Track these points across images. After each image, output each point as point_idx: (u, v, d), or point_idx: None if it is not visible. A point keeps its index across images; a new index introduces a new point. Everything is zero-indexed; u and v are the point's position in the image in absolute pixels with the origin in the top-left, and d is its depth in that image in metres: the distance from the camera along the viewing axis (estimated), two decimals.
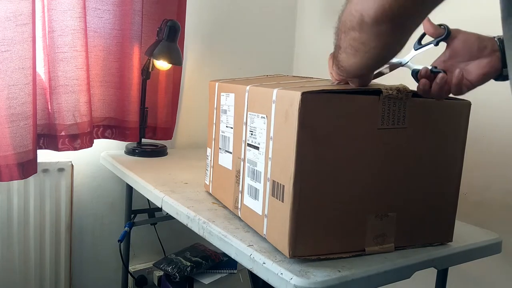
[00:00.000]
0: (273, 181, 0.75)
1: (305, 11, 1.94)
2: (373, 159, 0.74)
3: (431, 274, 0.95)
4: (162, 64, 1.48)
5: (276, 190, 0.74)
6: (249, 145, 0.85)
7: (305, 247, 0.72)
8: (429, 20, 0.73)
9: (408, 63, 0.76)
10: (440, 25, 0.73)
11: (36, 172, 1.31)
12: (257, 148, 0.82)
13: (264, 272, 0.73)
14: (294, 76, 1.05)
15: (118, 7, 1.45)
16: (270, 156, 0.77)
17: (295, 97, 0.68)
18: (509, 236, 1.11)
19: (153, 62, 1.48)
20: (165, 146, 1.59)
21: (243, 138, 0.87)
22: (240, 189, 0.89)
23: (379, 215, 0.77)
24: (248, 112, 0.85)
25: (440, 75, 0.70)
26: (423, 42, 0.76)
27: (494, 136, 1.26)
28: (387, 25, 0.53)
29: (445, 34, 0.72)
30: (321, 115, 0.69)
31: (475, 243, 0.89)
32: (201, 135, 1.78)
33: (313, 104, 0.68)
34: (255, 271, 0.75)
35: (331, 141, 0.71)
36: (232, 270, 1.50)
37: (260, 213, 0.80)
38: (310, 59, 1.93)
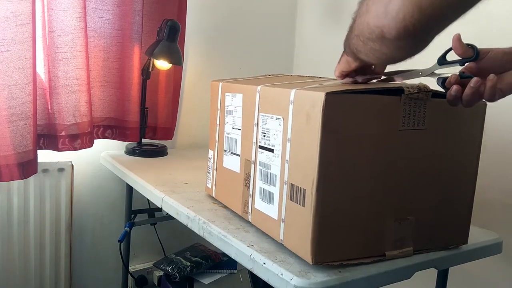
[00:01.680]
0: (292, 185, 0.73)
1: (305, 11, 1.94)
2: (393, 162, 0.73)
3: (431, 274, 0.95)
4: (162, 64, 1.48)
5: (295, 194, 0.72)
6: (262, 147, 0.82)
7: (327, 253, 0.70)
8: (459, 39, 0.71)
9: (431, 73, 0.75)
10: (468, 44, 0.71)
11: (36, 172, 1.31)
12: (271, 150, 0.79)
13: (264, 273, 0.73)
14: (300, 76, 1.03)
15: (118, 7, 1.45)
16: (287, 158, 0.74)
17: (318, 98, 0.66)
18: (510, 236, 1.11)
19: (153, 62, 1.48)
20: (165, 146, 1.59)
21: (254, 140, 0.85)
22: (251, 192, 0.86)
23: (398, 218, 0.76)
24: (260, 113, 0.83)
25: (475, 78, 0.68)
26: (448, 58, 0.74)
27: (494, 135, 1.26)
28: (409, 40, 0.53)
29: (474, 56, 0.70)
30: (345, 116, 0.67)
31: (476, 243, 0.89)
32: (202, 135, 1.78)
33: (337, 105, 0.66)
34: (255, 272, 0.75)
35: (354, 143, 0.69)
36: (232, 270, 1.50)
37: (276, 218, 0.78)
38: (310, 59, 1.93)
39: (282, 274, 0.69)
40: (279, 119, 0.77)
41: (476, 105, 0.79)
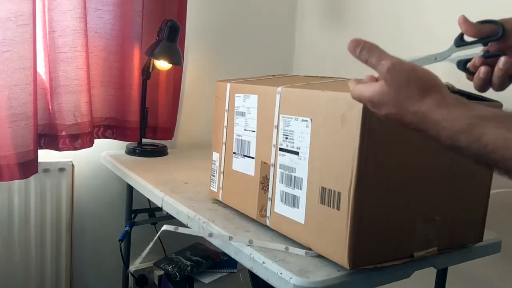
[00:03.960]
0: (323, 188, 0.72)
1: (305, 11, 1.94)
2: (424, 163, 0.73)
3: (430, 273, 0.95)
4: (162, 64, 1.48)
5: (327, 197, 0.72)
6: (283, 149, 0.81)
7: (364, 257, 0.69)
8: (466, 20, 0.62)
9: (448, 57, 0.64)
10: (487, 21, 0.62)
11: (37, 172, 1.32)
12: (295, 153, 0.78)
13: (263, 272, 0.73)
14: (308, 76, 1.00)
15: (118, 7, 1.45)
16: (316, 161, 0.73)
17: None
18: (509, 235, 1.12)
19: (153, 62, 1.48)
20: (166, 146, 1.59)
21: (274, 142, 0.83)
22: (270, 196, 0.85)
23: (426, 219, 0.76)
24: (281, 115, 0.81)
25: (503, 59, 0.59)
26: (466, 39, 0.64)
27: None
28: None
29: (500, 35, 0.60)
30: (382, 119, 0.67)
31: (475, 242, 0.89)
32: (202, 135, 1.78)
33: None
34: (254, 271, 0.76)
35: (390, 145, 0.68)
36: (232, 270, 1.50)
37: (302, 222, 0.77)
38: (310, 59, 1.93)
39: (281, 273, 0.70)
40: (306, 121, 0.75)
41: (493, 106, 0.78)
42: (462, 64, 0.64)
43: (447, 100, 0.50)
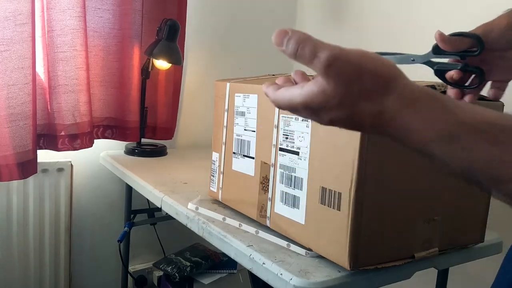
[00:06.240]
0: (323, 188, 0.72)
1: (305, 11, 1.94)
2: (425, 163, 0.72)
3: (431, 274, 0.95)
4: (161, 64, 1.48)
5: (327, 197, 0.71)
6: (283, 149, 0.81)
7: (365, 258, 0.69)
8: (442, 38, 0.62)
9: (426, 61, 0.65)
10: (464, 34, 0.61)
11: (35, 172, 1.31)
12: (296, 153, 0.78)
13: (263, 273, 0.73)
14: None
15: (118, 6, 1.45)
16: (316, 161, 0.73)
17: None
18: (510, 236, 1.11)
19: (152, 61, 1.48)
20: (165, 146, 1.59)
21: (273, 142, 0.83)
22: (270, 196, 0.84)
23: (427, 219, 0.76)
24: (281, 115, 0.81)
25: (468, 98, 0.61)
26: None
27: None
28: None
29: (478, 50, 0.60)
30: None
31: (476, 243, 0.89)
32: (202, 135, 1.77)
33: None
34: (254, 272, 0.75)
35: (390, 145, 0.67)
36: (232, 270, 1.50)
37: (303, 222, 0.77)
38: None
39: (281, 274, 0.69)
40: (306, 120, 0.75)
41: (493, 106, 0.78)
42: (440, 73, 0.65)
43: (416, 95, 0.38)
